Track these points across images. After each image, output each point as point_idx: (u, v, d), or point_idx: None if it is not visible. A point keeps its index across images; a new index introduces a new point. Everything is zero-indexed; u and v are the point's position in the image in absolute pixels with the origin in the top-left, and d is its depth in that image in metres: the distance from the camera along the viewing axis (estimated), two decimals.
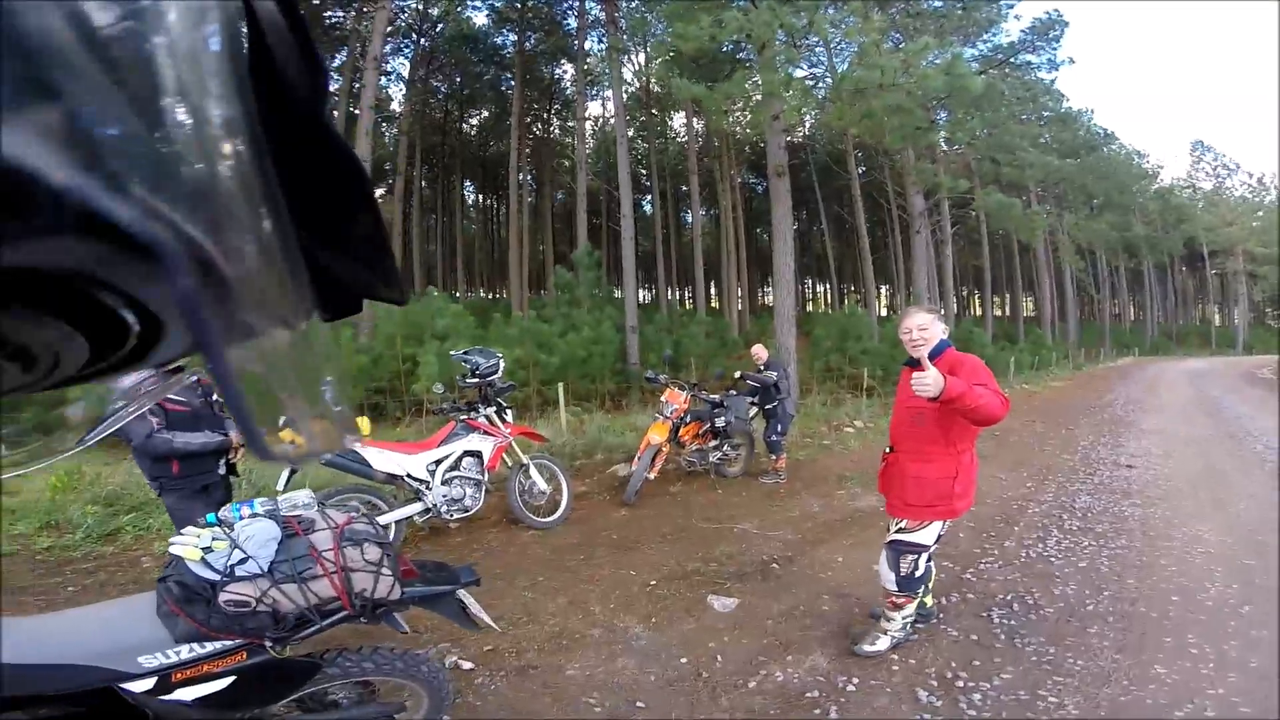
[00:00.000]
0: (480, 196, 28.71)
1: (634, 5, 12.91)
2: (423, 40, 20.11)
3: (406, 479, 4.26)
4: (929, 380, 2.23)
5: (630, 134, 24.31)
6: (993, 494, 5.68)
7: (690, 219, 20.05)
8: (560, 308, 11.08)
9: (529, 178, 24.61)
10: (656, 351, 11.84)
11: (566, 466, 6.25)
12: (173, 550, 1.61)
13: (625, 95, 20.47)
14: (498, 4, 18.64)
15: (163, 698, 1.49)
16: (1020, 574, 3.84)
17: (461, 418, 4.66)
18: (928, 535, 2.67)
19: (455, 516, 4.37)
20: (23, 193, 0.18)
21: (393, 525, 4.13)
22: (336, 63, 16.87)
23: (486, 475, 4.60)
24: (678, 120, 19.66)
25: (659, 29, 11.85)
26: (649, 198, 22.97)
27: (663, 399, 6.07)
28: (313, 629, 1.64)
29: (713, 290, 33.36)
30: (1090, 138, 24.82)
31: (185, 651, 1.52)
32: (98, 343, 0.28)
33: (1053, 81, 17.97)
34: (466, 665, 2.75)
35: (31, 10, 0.18)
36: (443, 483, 4.35)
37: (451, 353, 5.15)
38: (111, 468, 5.26)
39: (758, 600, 3.48)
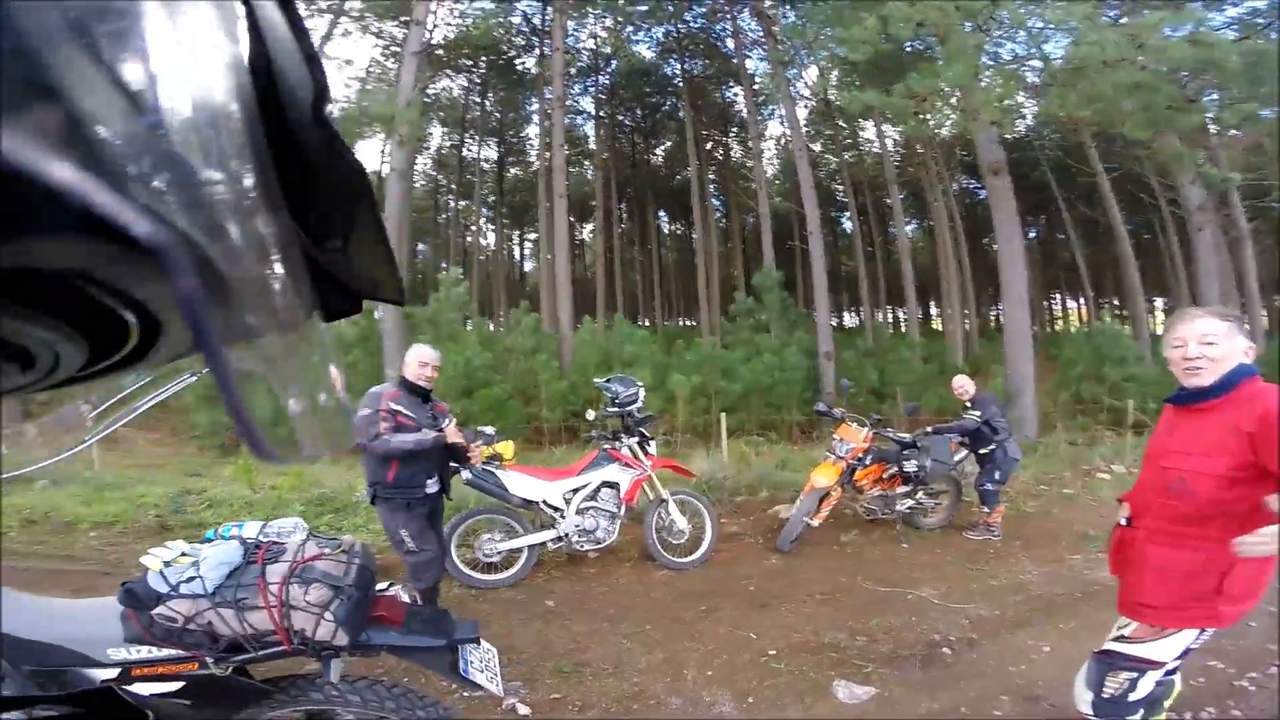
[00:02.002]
0: (673, 225, 29.48)
1: (790, 21, 12.22)
2: (601, 78, 21.35)
3: (542, 505, 4.25)
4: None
5: (818, 148, 23.09)
6: None
7: (900, 233, 18.01)
8: (742, 333, 10.62)
9: (719, 202, 24.67)
10: (857, 379, 10.72)
11: (721, 503, 5.83)
12: (143, 560, 1.69)
13: (806, 109, 19.50)
14: (659, 37, 19.08)
15: (125, 687, 1.61)
16: None
17: (604, 447, 4.55)
18: (1165, 649, 1.81)
19: (586, 547, 4.24)
20: (23, 193, 0.18)
21: (525, 550, 4.14)
22: (534, 106, 18.54)
23: (623, 508, 4.41)
24: (870, 129, 18.01)
25: (825, 34, 10.94)
26: (846, 214, 21.48)
27: (835, 436, 5.29)
28: (247, 656, 1.61)
29: (932, 310, 29.73)
30: None
31: (144, 652, 1.60)
32: (98, 343, 0.29)
33: None
34: (524, 710, 2.54)
35: (31, 10, 0.19)
36: (577, 512, 4.26)
37: (595, 380, 5.11)
38: (327, 472, 6.19)
39: (903, 694, 2.69)
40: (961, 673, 2.86)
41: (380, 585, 1.90)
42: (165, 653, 1.60)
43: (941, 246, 16.80)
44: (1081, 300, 26.19)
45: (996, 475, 5.27)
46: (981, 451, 5.42)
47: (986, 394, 5.71)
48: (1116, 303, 27.78)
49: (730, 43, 16.39)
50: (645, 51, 21.06)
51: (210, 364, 0.23)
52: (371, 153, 23.01)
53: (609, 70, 21.22)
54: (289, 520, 1.88)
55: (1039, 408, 9.30)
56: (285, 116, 0.26)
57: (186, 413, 9.27)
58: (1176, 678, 2.05)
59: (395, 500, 3.12)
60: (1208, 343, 1.69)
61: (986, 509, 5.25)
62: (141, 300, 0.26)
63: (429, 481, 3.18)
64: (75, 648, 1.61)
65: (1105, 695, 1.90)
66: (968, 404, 5.43)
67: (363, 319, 9.83)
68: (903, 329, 20.34)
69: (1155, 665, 1.84)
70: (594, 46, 20.38)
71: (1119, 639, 1.90)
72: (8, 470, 1.55)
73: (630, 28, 19.05)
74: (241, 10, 0.24)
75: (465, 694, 2.50)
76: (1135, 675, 1.85)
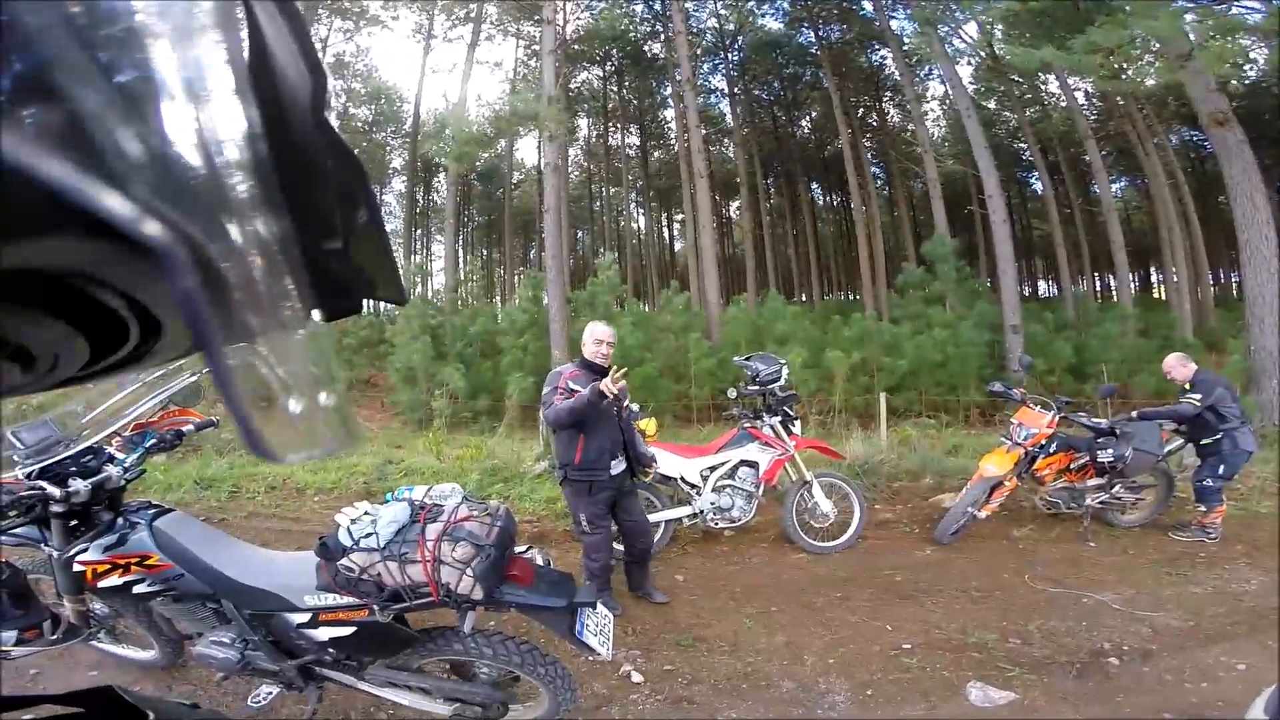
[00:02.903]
0: (828, 197, 27.64)
1: None
2: (731, 55, 20.42)
3: (680, 481, 4.36)
4: None
5: (992, 105, 20.02)
6: None
7: (1111, 192, 15.02)
8: (912, 306, 9.71)
9: (878, 170, 22.61)
10: (1049, 356, 9.37)
11: (875, 489, 5.49)
12: (335, 517, 1.99)
13: (970, 65, 16.96)
14: (786, 7, 17.90)
15: (307, 630, 1.92)
16: None
17: (745, 425, 4.54)
18: None
19: (721, 525, 4.28)
20: (23, 193, 0.19)
21: (662, 525, 4.29)
22: (668, 90, 18.32)
23: (761, 487, 4.37)
24: (1054, 83, 15.18)
25: None
26: (1035, 174, 18.39)
27: (1014, 420, 4.73)
28: (404, 605, 1.83)
29: (1153, 278, 24.59)
30: None
31: (331, 599, 1.90)
32: (98, 343, 0.30)
33: None
34: (637, 678, 2.68)
35: (31, 10, 0.19)
36: (714, 490, 4.31)
37: (735, 358, 5.08)
38: (500, 445, 6.87)
39: (1047, 703, 2.42)
40: (1123, 686, 2.50)
41: (520, 548, 2.08)
42: (345, 600, 1.87)
43: (1160, 206, 13.90)
44: None
45: (1221, 470, 4.39)
46: (1204, 442, 4.53)
47: (1210, 374, 4.72)
48: None
49: (868, 4, 14.99)
50: (772, 23, 20.15)
51: (210, 364, 0.23)
52: (528, 150, 24.67)
53: (736, 47, 20.51)
54: (448, 485, 2.10)
55: None
56: (285, 116, 0.27)
57: (391, 390, 10.82)
58: None
59: (580, 483, 3.21)
60: None
61: (1204, 508, 4.40)
62: (141, 300, 0.27)
63: (613, 462, 3.22)
64: (283, 594, 1.94)
65: None
66: (1186, 386, 4.55)
67: (530, 304, 10.70)
68: (1112, 298, 17.24)
69: None
70: (718, 25, 19.81)
71: None
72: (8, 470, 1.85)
73: (752, 2, 18.23)
74: (241, 10, 0.24)
75: (587, 658, 2.70)
76: None
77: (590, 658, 2.28)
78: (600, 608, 2.10)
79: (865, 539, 4.41)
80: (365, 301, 0.42)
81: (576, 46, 18.34)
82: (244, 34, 0.24)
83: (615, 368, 3.14)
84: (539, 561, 2.07)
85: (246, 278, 0.24)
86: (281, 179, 0.25)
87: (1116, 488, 4.55)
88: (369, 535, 1.85)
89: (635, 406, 4.28)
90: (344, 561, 1.83)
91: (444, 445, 6.77)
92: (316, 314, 0.31)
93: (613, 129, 24.63)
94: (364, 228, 0.35)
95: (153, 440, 2.25)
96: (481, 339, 10.89)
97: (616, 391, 3.04)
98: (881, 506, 5.17)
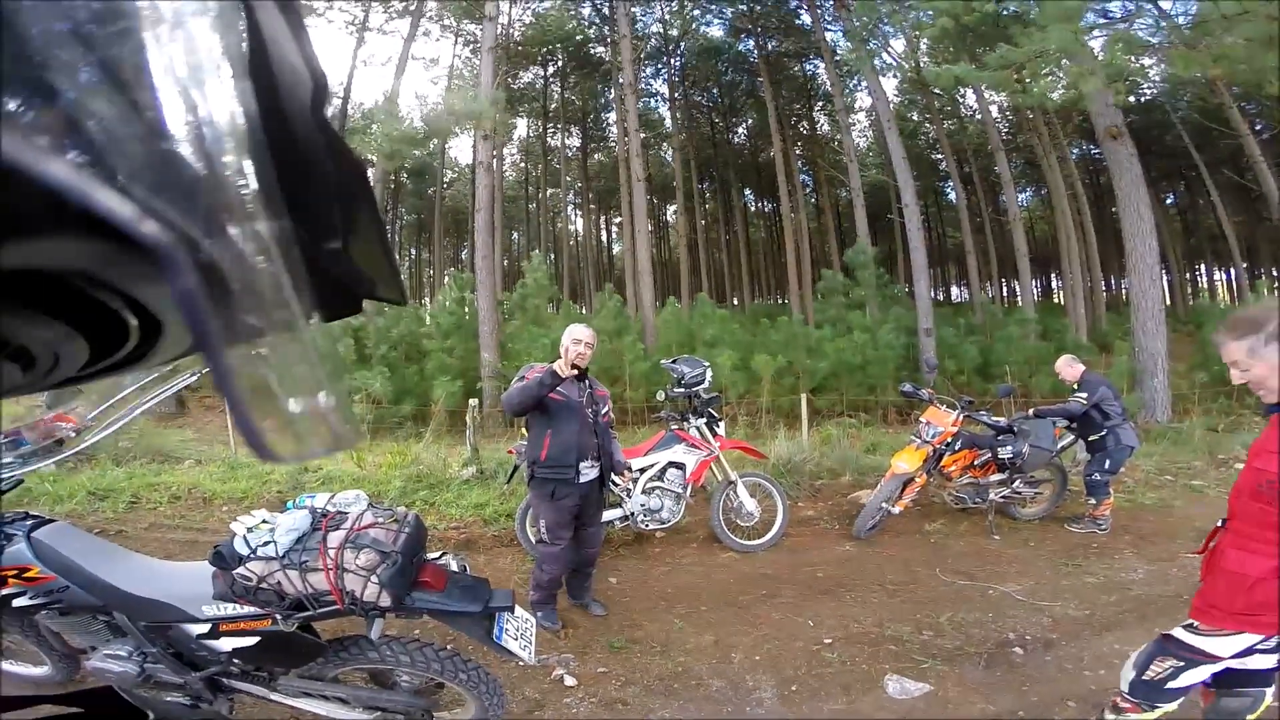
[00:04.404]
0: (760, 203, 28.59)
1: None
2: (674, 60, 20.87)
3: (614, 485, 4.36)
4: None
5: (915, 117, 21.43)
6: None
7: (1017, 202, 16.37)
8: (832, 311, 10.14)
9: (808, 178, 23.56)
10: (959, 358, 10.00)
11: (798, 487, 5.68)
12: (231, 525, 1.91)
13: (896, 79, 18.04)
14: (729, 16, 18.40)
15: (209, 641, 1.86)
16: None
17: (673, 427, 4.59)
18: (1225, 646, 1.79)
19: (651, 527, 4.31)
20: (23, 193, 0.19)
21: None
22: (612, 94, 18.55)
23: (689, 488, 4.43)
24: (972, 96, 16.45)
25: (902, 5, 9.96)
26: (951, 185, 19.81)
27: (922, 419, 4.98)
28: (308, 614, 1.78)
29: (1054, 284, 26.92)
30: None
31: (230, 609, 1.84)
32: (98, 343, 0.29)
33: None
34: (570, 681, 2.66)
35: (31, 10, 0.19)
36: (643, 492, 4.33)
37: (662, 361, 5.13)
38: (425, 451, 6.66)
39: (960, 693, 2.56)
40: (1029, 675, 2.68)
41: (433, 554, 2.03)
42: (246, 610, 1.82)
43: (1060, 216, 15.17)
44: (1231, 271, 22.85)
45: (1107, 465, 4.78)
46: (1091, 438, 4.93)
47: (1097, 375, 5.15)
48: (1276, 273, 23.98)
49: (806, 16, 15.63)
50: (715, 31, 20.71)
51: (210, 364, 0.23)
52: (463, 148, 24.07)
53: (679, 53, 20.94)
54: (351, 492, 2.05)
55: (1172, 389, 8.25)
56: (284, 115, 0.27)
57: None
58: (1270, 691, 1.83)
59: (545, 482, 3.09)
60: (1244, 370, 1.64)
61: (1094, 500, 4.78)
62: (141, 300, 0.27)
63: (583, 466, 3.09)
64: (179, 605, 1.86)
65: (1145, 677, 1.92)
66: (1074, 386, 4.95)
67: (457, 307, 10.42)
68: (1017, 303, 18.67)
69: (1209, 659, 1.82)
70: (662, 30, 20.17)
71: (1187, 627, 1.88)
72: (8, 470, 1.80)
73: (696, 10, 18.69)
74: (241, 9, 0.24)
75: (519, 664, 2.66)
76: (1183, 665, 1.86)
77: (513, 663, 2.25)
78: (520, 611, 2.08)
79: (789, 536, 4.54)
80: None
81: (519, 46, 18.08)
82: (244, 34, 0.24)
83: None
84: (453, 567, 2.03)
85: (246, 278, 0.24)
86: (281, 179, 0.25)
87: (1016, 483, 4.88)
88: (267, 543, 1.79)
89: None
90: (240, 570, 1.77)
91: (366, 452, 6.49)
92: (316, 314, 0.31)
93: (553, 130, 24.46)
94: (364, 228, 0.35)
95: (25, 447, 2.07)
96: (406, 342, 10.51)
97: (571, 373, 2.96)
98: (804, 504, 5.35)
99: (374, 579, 1.74)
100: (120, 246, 0.21)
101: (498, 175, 16.65)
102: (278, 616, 1.79)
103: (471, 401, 6.41)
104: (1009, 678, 2.67)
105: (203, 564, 1.90)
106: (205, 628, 1.85)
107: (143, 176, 0.21)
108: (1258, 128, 14.17)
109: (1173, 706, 1.95)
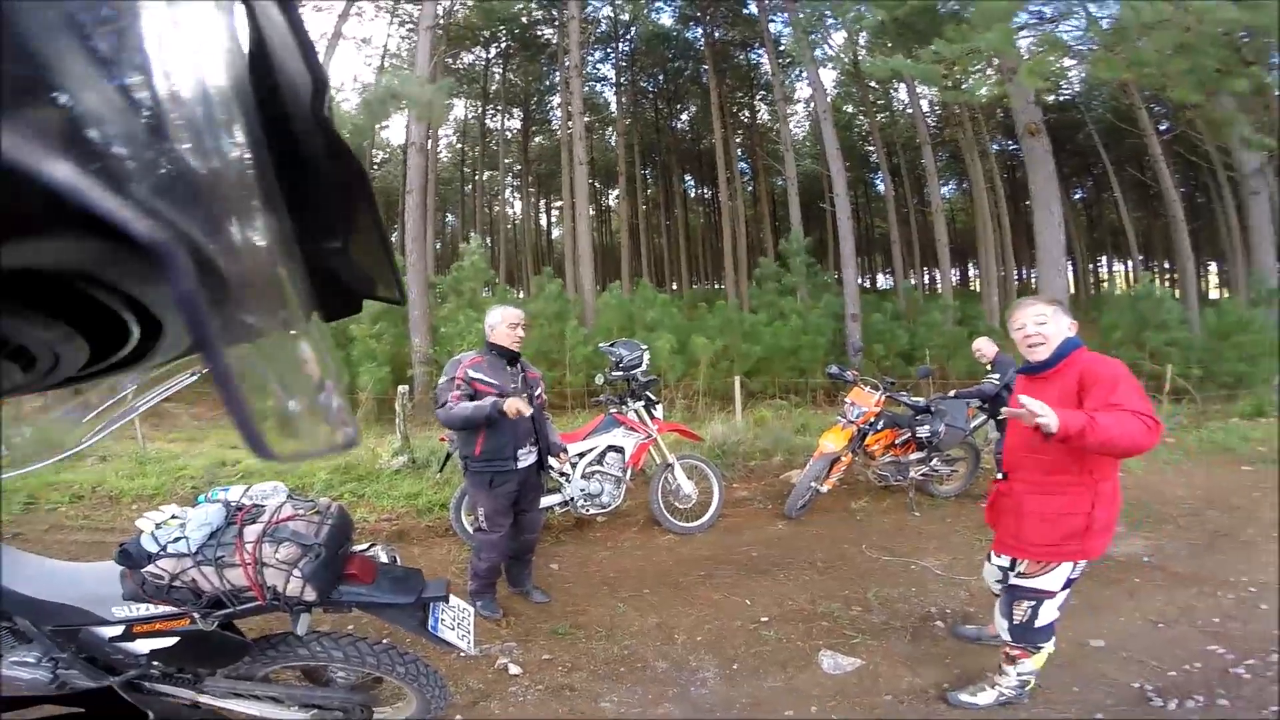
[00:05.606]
0: (700, 189, 28.99)
1: None
2: (622, 45, 20.90)
3: (550, 469, 4.34)
4: (1038, 412, 1.82)
5: (850, 110, 22.12)
6: None
7: (940, 194, 17.35)
8: (767, 297, 10.42)
9: (746, 166, 24.05)
10: (885, 342, 10.48)
11: (733, 468, 5.84)
12: (137, 522, 1.81)
13: (835, 71, 18.65)
14: (679, 3, 18.62)
15: (123, 644, 1.76)
16: None
17: (611, 411, 4.59)
18: (1052, 580, 2.24)
19: (591, 511, 4.32)
20: (23, 193, 0.19)
21: None
22: (557, 77, 18.27)
23: (629, 472, 4.47)
24: (905, 91, 17.25)
25: None
26: (880, 176, 20.80)
27: (847, 400, 5.19)
28: (227, 611, 1.71)
29: (971, 273, 28.72)
30: None
31: (143, 609, 1.74)
32: (98, 343, 0.29)
33: None
34: (515, 670, 2.66)
35: (31, 10, 0.19)
36: (582, 476, 4.33)
37: (600, 344, 5.13)
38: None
39: (889, 667, 2.72)
40: (950, 648, 2.86)
41: (360, 546, 1.98)
42: (161, 609, 1.73)
43: (979, 208, 16.11)
44: (1128, 263, 25.07)
45: None
46: (1000, 417, 5.27)
47: (1007, 357, 5.51)
48: (1168, 266, 26.50)
49: (754, 6, 15.88)
50: (665, 19, 20.78)
51: (210, 364, 0.23)
52: (395, 128, 23.03)
53: (628, 37, 20.81)
54: (269, 484, 1.97)
55: None
56: (285, 116, 0.26)
57: None
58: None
59: (481, 475, 3.04)
60: (1040, 322, 2.14)
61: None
62: (141, 300, 0.27)
63: (520, 453, 3.04)
64: (85, 607, 1.75)
65: (1016, 621, 2.30)
66: (989, 366, 5.27)
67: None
68: (938, 290, 19.80)
69: (1048, 594, 2.24)
70: (612, 14, 20.00)
71: (1019, 575, 2.30)
72: (8, 470, 1.69)
73: None
74: (241, 9, 0.24)
75: (460, 655, 2.62)
76: (1035, 604, 2.26)
77: (454, 654, 2.22)
78: (456, 601, 2.04)
79: (725, 517, 4.67)
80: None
81: (461, 26, 17.35)
82: (244, 34, 0.24)
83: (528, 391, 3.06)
84: (382, 558, 1.99)
85: (246, 278, 0.24)
86: (281, 179, 0.25)
87: (934, 461, 5.17)
88: (178, 539, 1.71)
89: None
90: (150, 568, 1.69)
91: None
92: (316, 314, 0.31)
93: (493, 111, 23.71)
94: (364, 227, 0.35)
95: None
96: (331, 327, 10.04)
97: (527, 414, 2.92)
98: (739, 485, 5.51)
99: (296, 573, 1.68)
100: (120, 246, 0.20)
101: (432, 156, 15.99)
102: (196, 615, 1.71)
103: (401, 388, 6.20)
104: (933, 651, 2.85)
105: (110, 564, 1.79)
106: (118, 630, 1.75)
107: (142, 176, 0.21)
108: (1162, 128, 15.38)
109: (1050, 644, 2.35)
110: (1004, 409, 2.46)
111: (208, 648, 1.80)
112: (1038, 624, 2.28)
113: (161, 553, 1.68)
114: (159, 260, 0.20)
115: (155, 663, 1.80)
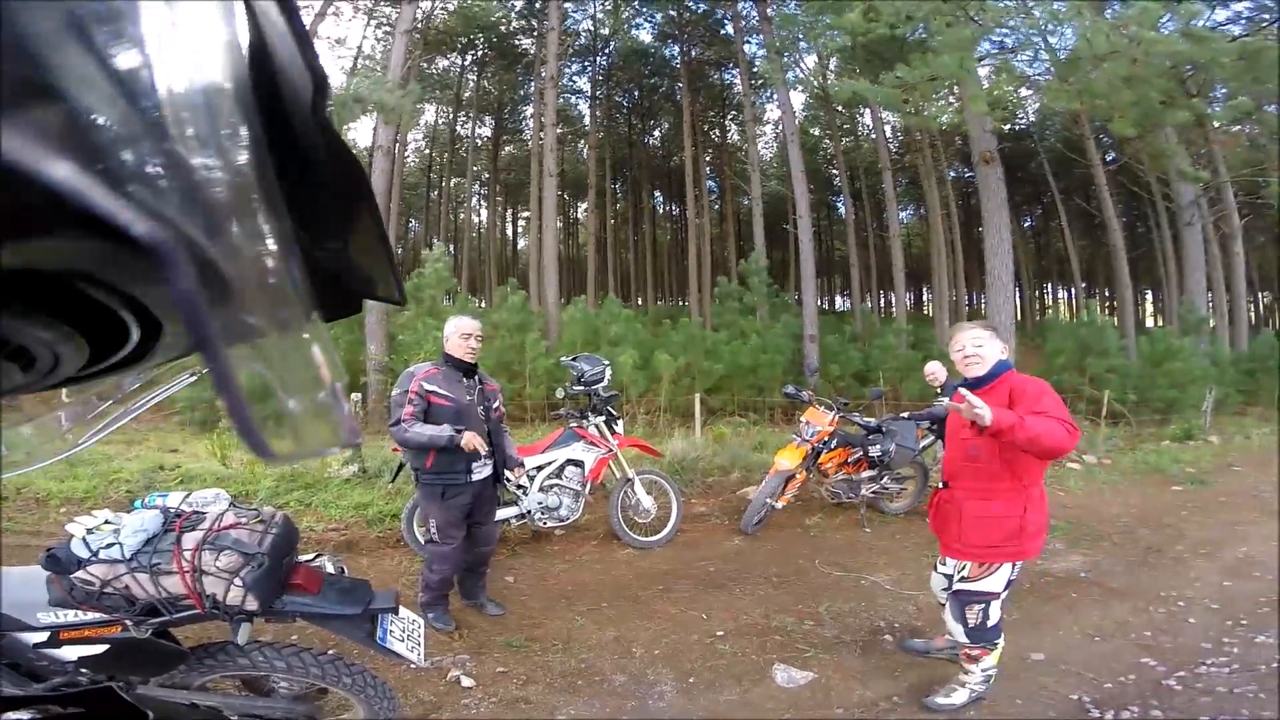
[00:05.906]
0: (669, 205, 29.38)
1: (786, 7, 12.14)
2: (599, 59, 21.18)
3: (506, 482, 4.29)
4: (977, 405, 2.06)
5: (816, 133, 22.82)
6: (1268, 563, 3.99)
7: (898, 219, 18.03)
8: (727, 316, 10.58)
9: (714, 184, 24.56)
10: (841, 363, 10.75)
11: (692, 484, 5.88)
12: (66, 527, 1.74)
13: (804, 94, 19.24)
14: (658, 20, 18.92)
15: (49, 651, 1.67)
16: (1260, 688, 2.57)
17: (572, 425, 4.58)
18: (995, 581, 2.44)
19: (549, 525, 4.29)
20: (23, 193, 0.19)
21: None
22: (532, 87, 18.45)
23: (588, 486, 4.45)
24: (869, 116, 17.98)
25: (821, 22, 10.80)
26: (842, 199, 21.53)
27: (803, 419, 5.31)
28: (162, 619, 1.68)
29: (925, 296, 29.83)
30: None
31: (71, 616, 1.68)
32: (98, 343, 0.29)
33: None
34: (467, 682, 2.62)
35: (31, 10, 0.19)
36: (540, 489, 4.30)
37: (561, 359, 5.13)
38: None
39: (840, 680, 2.77)
40: (900, 662, 2.93)
41: (306, 556, 1.94)
42: (90, 616, 1.66)
43: (934, 234, 16.77)
44: (1071, 290, 26.40)
45: None
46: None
47: (958, 381, 5.73)
48: (1108, 294, 28.02)
49: (731, 27, 16.24)
50: (644, 35, 21.06)
51: (210, 364, 0.23)
52: (362, 130, 22.63)
53: (607, 52, 21.04)
54: (210, 491, 1.92)
55: None
56: (284, 115, 0.26)
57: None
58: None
59: (433, 487, 2.98)
60: (978, 345, 2.37)
61: None
62: (141, 300, 0.27)
63: (474, 466, 2.99)
64: (8, 612, 1.66)
65: (971, 625, 2.47)
66: (939, 390, 5.47)
67: None
68: (893, 313, 20.49)
69: (994, 595, 2.44)
70: (592, 28, 20.21)
71: (962, 579, 2.49)
72: (8, 471, 1.59)
73: (630, 10, 18.87)
74: (240, 8, 0.24)
75: (410, 667, 2.56)
76: (984, 605, 2.45)
77: (404, 666, 2.17)
78: (406, 613, 2.01)
79: (683, 532, 4.69)
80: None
81: (439, 32, 17.22)
82: (244, 33, 0.24)
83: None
84: (329, 569, 1.95)
85: (246, 278, 0.24)
86: (281, 179, 0.25)
87: (885, 479, 5.33)
88: (110, 545, 1.66)
89: None
90: (80, 574, 1.63)
91: (231, 449, 5.93)
92: (316, 314, 0.31)
93: (464, 118, 23.54)
94: (363, 228, 0.35)
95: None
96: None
97: (484, 452, 2.92)
98: (697, 500, 5.54)
99: (238, 581, 1.65)
100: (120, 246, 0.20)
101: (399, 160, 15.76)
102: (128, 622, 1.66)
103: (355, 396, 6.07)
104: (883, 664, 2.92)
105: (34, 568, 1.72)
106: (43, 636, 1.67)
107: (142, 176, 0.21)
108: (1108, 159, 16.31)
109: (1002, 642, 2.54)
110: (948, 402, 2.74)
111: (140, 656, 1.74)
112: (990, 623, 2.48)
113: (93, 558, 1.63)
114: (159, 260, 0.21)
115: (83, 670, 1.71)
